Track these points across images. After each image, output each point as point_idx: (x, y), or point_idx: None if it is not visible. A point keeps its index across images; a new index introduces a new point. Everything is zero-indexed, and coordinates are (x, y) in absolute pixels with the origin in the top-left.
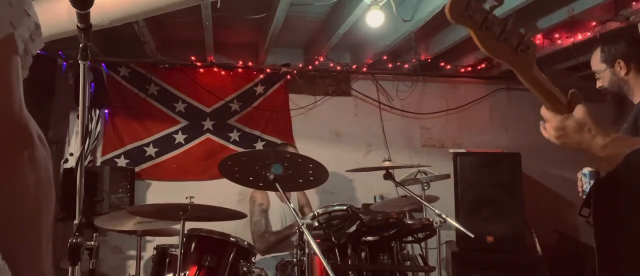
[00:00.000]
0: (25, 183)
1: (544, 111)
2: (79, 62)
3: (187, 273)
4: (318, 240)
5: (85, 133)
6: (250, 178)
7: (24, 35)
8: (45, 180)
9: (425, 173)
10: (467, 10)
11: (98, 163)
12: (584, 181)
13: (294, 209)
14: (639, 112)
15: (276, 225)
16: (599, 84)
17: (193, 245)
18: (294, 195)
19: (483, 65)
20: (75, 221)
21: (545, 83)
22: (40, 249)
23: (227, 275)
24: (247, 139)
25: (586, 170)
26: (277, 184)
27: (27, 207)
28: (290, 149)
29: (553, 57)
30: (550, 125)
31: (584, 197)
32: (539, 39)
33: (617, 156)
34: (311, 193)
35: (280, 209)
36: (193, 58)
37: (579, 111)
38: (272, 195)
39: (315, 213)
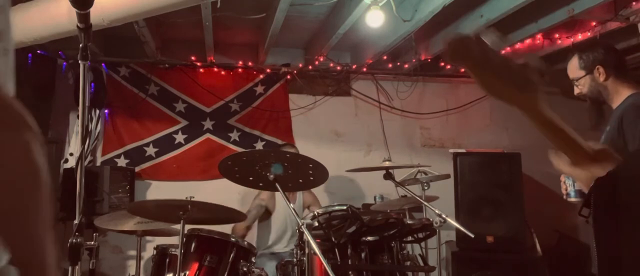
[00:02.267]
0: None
1: (562, 167)
2: (79, 62)
3: (187, 273)
4: (318, 240)
5: (85, 133)
6: (250, 178)
7: None
8: (24, 166)
9: (425, 173)
10: (465, 49)
11: (98, 163)
12: (568, 184)
13: (293, 209)
14: (623, 114)
15: (280, 225)
16: (577, 91)
17: (193, 245)
18: (299, 194)
19: None
20: (75, 221)
21: (557, 122)
22: (36, 232)
23: (227, 275)
24: (247, 139)
25: None
26: (277, 184)
27: (22, 192)
28: (290, 149)
29: (553, 57)
30: (576, 179)
31: (568, 199)
32: (539, 38)
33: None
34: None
35: (285, 210)
36: (193, 58)
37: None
38: (279, 195)
39: (315, 213)
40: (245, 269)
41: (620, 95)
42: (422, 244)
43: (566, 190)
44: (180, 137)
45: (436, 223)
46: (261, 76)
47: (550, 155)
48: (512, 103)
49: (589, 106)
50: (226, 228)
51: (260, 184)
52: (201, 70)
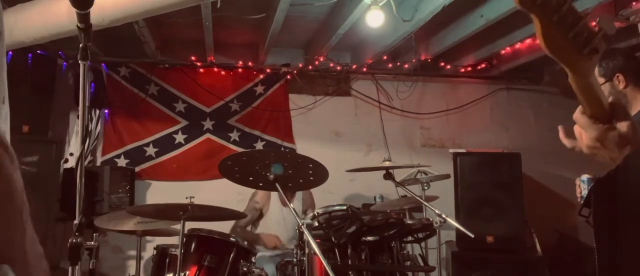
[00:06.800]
0: None
1: (580, 117)
2: (79, 62)
3: (187, 273)
4: (318, 240)
5: (85, 133)
6: (250, 178)
7: None
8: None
9: (425, 173)
10: None
11: (98, 163)
12: (583, 187)
13: (293, 209)
14: (638, 123)
15: (278, 224)
16: None
17: (193, 245)
18: (299, 195)
19: (483, 65)
20: (75, 221)
21: (597, 90)
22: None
23: (227, 275)
24: (247, 139)
25: (585, 176)
26: (277, 184)
27: None
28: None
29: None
30: (588, 134)
31: (583, 202)
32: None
33: None
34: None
35: (280, 210)
36: (193, 58)
37: (625, 126)
38: (274, 197)
39: (315, 213)
40: (245, 269)
41: (638, 102)
42: (422, 244)
43: (580, 193)
44: (180, 137)
45: (436, 223)
46: (261, 76)
47: (577, 116)
48: (565, 65)
49: None
50: (226, 227)
51: (260, 184)
52: (201, 70)
